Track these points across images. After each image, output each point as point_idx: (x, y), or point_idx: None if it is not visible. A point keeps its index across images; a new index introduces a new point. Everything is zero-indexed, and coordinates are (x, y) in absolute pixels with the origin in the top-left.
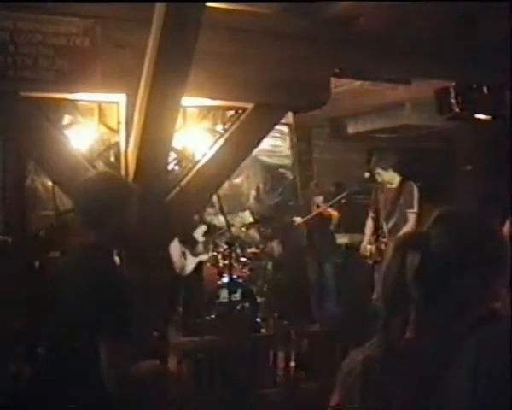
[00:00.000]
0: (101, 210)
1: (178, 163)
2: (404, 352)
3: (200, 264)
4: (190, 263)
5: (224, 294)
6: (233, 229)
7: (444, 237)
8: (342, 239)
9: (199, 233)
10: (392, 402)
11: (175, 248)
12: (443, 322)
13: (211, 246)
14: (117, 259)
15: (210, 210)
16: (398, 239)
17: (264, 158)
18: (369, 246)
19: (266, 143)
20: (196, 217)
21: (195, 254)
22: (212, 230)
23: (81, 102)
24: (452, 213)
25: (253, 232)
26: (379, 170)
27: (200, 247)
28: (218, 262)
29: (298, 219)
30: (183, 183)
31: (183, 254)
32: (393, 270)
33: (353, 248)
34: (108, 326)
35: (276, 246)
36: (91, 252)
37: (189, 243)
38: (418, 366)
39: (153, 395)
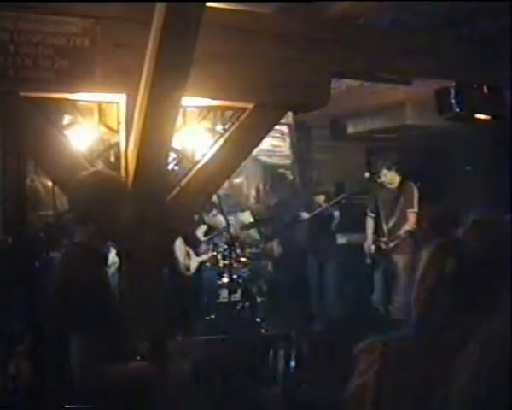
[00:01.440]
0: (87, 208)
1: (178, 163)
2: (442, 346)
3: (200, 264)
4: (194, 263)
5: (224, 294)
6: (232, 229)
7: (480, 244)
8: (342, 239)
9: (200, 233)
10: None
11: (180, 248)
12: (476, 322)
13: (211, 246)
14: (116, 258)
15: (214, 211)
16: (435, 245)
17: (264, 158)
18: (373, 246)
19: (266, 143)
20: (196, 217)
21: (198, 254)
22: (211, 230)
23: (81, 102)
24: (486, 220)
25: (253, 232)
26: (384, 170)
27: (202, 247)
28: (218, 262)
29: (304, 215)
30: (183, 183)
31: (188, 254)
32: (431, 274)
33: (353, 247)
34: (77, 324)
35: (276, 246)
36: (75, 250)
37: (193, 243)
38: (443, 355)
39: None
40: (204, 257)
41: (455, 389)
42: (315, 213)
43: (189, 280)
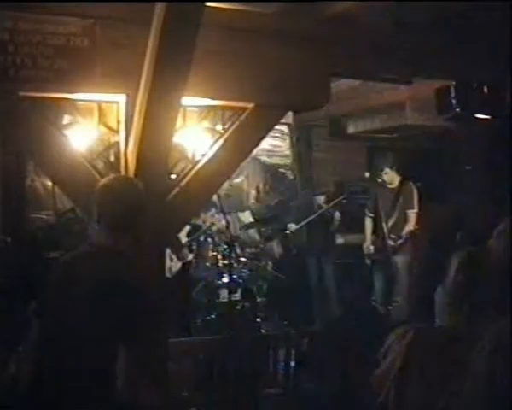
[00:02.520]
0: (132, 215)
1: (178, 163)
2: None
3: (184, 264)
4: (176, 264)
5: (223, 294)
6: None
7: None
8: (342, 239)
9: (183, 234)
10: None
11: None
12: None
13: (194, 246)
14: None
15: (213, 210)
16: (465, 253)
17: (264, 158)
18: (372, 246)
19: (266, 143)
20: None
21: (181, 258)
22: (195, 230)
23: (81, 102)
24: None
25: (253, 232)
26: (385, 170)
27: (184, 251)
28: (218, 262)
29: (292, 226)
30: (183, 183)
31: (170, 256)
32: (463, 280)
33: (353, 248)
34: (138, 334)
35: (276, 246)
36: (115, 256)
37: (175, 246)
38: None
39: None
40: (187, 259)
41: (466, 386)
42: (310, 218)
43: (171, 282)
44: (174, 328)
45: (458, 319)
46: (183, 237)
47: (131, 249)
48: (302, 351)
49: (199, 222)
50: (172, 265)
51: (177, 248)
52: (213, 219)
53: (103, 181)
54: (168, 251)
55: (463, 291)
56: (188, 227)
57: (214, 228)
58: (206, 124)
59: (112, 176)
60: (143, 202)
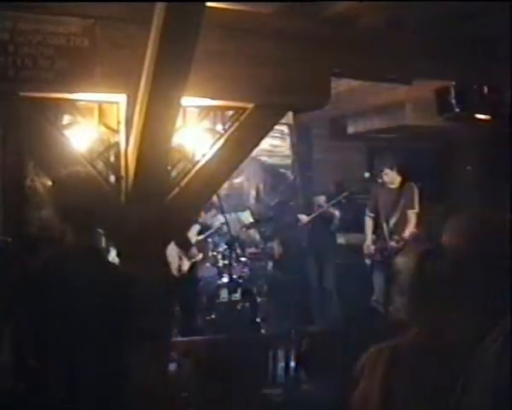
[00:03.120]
0: (92, 213)
1: (178, 163)
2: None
3: (194, 263)
4: (185, 263)
5: (223, 294)
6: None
7: (458, 244)
8: (342, 239)
9: (193, 233)
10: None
11: (171, 249)
12: (467, 316)
13: (208, 245)
14: (116, 259)
15: (213, 211)
16: (417, 251)
17: (264, 158)
18: (372, 246)
19: (266, 143)
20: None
21: (190, 257)
22: (205, 229)
23: (81, 102)
24: (463, 220)
25: (253, 232)
26: (386, 170)
27: (193, 249)
28: (218, 262)
29: (303, 217)
30: (183, 183)
31: (179, 256)
32: (417, 276)
33: (353, 248)
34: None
35: (276, 246)
36: (90, 256)
37: (185, 246)
38: (447, 356)
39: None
40: (197, 258)
41: (474, 387)
42: (314, 215)
43: (180, 281)
44: (183, 327)
45: (420, 318)
46: (193, 235)
47: (100, 248)
48: (302, 351)
49: (203, 220)
50: (181, 264)
51: (186, 247)
52: (221, 220)
53: (58, 179)
54: (178, 250)
55: (421, 290)
56: (198, 226)
57: (225, 228)
58: (206, 124)
59: (66, 171)
60: (100, 197)
